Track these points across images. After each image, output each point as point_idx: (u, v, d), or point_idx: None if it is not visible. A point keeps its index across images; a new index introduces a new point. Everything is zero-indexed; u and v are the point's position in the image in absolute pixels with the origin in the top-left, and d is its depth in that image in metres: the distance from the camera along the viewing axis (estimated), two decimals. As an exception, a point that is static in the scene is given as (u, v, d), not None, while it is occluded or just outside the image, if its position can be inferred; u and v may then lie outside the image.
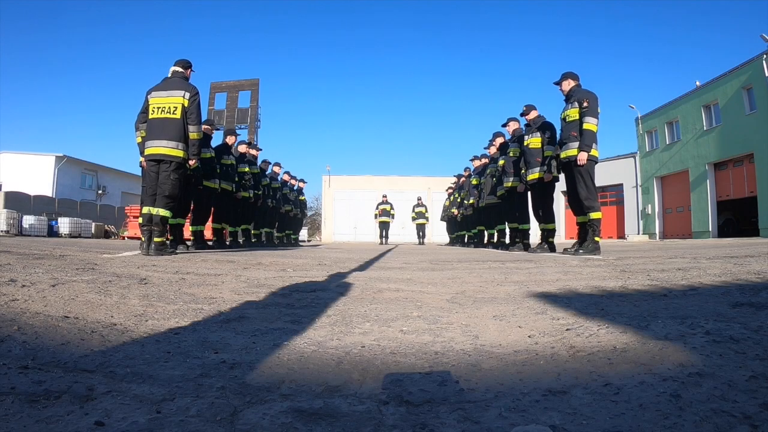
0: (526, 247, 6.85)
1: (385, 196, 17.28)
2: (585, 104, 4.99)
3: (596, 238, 5.10)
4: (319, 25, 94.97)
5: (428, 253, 6.69)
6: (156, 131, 4.52)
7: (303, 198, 13.63)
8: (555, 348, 1.11)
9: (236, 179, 7.60)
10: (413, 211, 16.88)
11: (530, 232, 7.23)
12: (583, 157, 4.98)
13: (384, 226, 16.55)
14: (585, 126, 4.97)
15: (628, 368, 0.93)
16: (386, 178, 26.63)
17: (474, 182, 10.07)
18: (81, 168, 29.08)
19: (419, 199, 17.09)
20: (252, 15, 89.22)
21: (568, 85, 5.29)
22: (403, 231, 22.42)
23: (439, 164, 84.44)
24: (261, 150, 9.68)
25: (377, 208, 17.01)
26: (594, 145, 5.02)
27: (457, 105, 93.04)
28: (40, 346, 1.08)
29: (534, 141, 6.24)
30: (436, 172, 43.94)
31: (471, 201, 10.17)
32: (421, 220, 16.53)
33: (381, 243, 15.84)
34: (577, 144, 5.06)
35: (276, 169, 10.70)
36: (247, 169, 8.15)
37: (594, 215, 5.09)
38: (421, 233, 16.58)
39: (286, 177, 11.85)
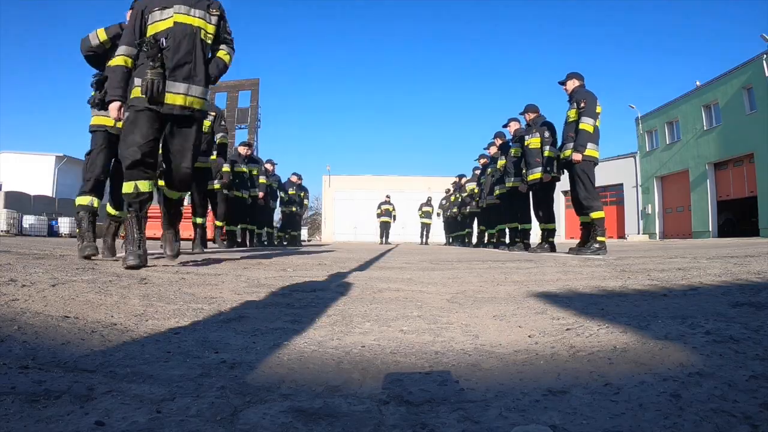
0: (527, 246, 6.85)
1: (388, 197, 17.31)
2: (582, 105, 5.03)
3: (600, 238, 5.04)
4: (319, 24, 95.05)
5: (428, 253, 6.69)
6: None
7: (302, 194, 13.56)
8: (555, 348, 1.11)
9: (235, 180, 7.63)
10: (420, 209, 16.89)
11: (530, 231, 7.24)
12: (576, 157, 4.99)
13: (385, 226, 16.57)
14: (580, 126, 5.01)
15: (628, 368, 0.92)
16: (387, 178, 26.65)
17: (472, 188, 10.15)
18: (81, 168, 29.04)
19: (429, 199, 17.12)
20: (252, 14, 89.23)
21: (573, 84, 5.31)
22: (403, 231, 22.42)
23: (440, 164, 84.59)
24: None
25: (379, 208, 17.03)
26: (591, 145, 5.01)
27: (457, 104, 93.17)
28: (40, 346, 1.08)
29: (534, 141, 6.25)
30: (437, 171, 43.96)
31: (475, 200, 10.21)
32: (426, 220, 16.54)
33: (381, 243, 15.85)
34: (572, 144, 5.09)
35: (268, 166, 10.67)
36: (244, 168, 8.17)
37: (595, 215, 5.06)
38: (424, 233, 16.58)
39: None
